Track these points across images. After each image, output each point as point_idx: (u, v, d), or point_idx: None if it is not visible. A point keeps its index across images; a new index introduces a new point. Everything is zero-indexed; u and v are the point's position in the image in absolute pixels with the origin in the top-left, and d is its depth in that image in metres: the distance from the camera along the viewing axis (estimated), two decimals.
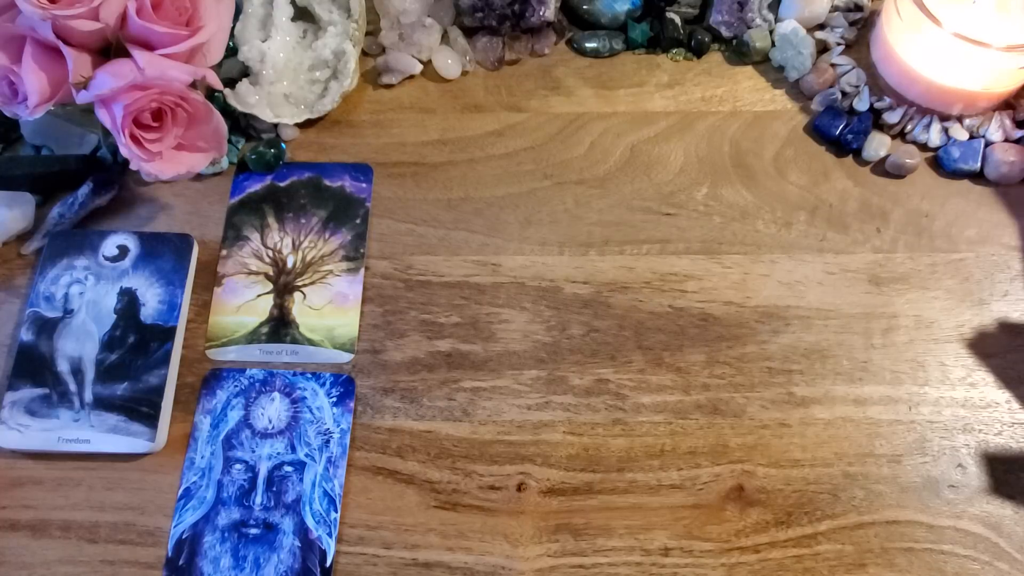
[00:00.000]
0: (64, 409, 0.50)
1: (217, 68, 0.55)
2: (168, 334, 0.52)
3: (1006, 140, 0.58)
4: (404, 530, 0.48)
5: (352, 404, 0.51)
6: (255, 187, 0.58)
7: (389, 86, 0.62)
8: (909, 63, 0.58)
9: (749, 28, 0.63)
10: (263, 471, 0.49)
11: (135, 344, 0.52)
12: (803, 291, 0.54)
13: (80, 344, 0.51)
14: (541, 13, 0.61)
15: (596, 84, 0.62)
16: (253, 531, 0.47)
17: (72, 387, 0.50)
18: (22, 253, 0.56)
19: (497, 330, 0.53)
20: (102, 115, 0.49)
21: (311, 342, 0.53)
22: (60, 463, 0.50)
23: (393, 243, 0.56)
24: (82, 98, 0.49)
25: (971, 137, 0.58)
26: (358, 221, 0.57)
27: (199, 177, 0.58)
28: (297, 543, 0.47)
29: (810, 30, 0.62)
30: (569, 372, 0.52)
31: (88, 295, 0.53)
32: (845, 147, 0.59)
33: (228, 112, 0.57)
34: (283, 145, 0.59)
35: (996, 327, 0.53)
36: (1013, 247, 0.56)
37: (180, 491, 0.49)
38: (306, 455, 0.49)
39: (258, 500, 0.48)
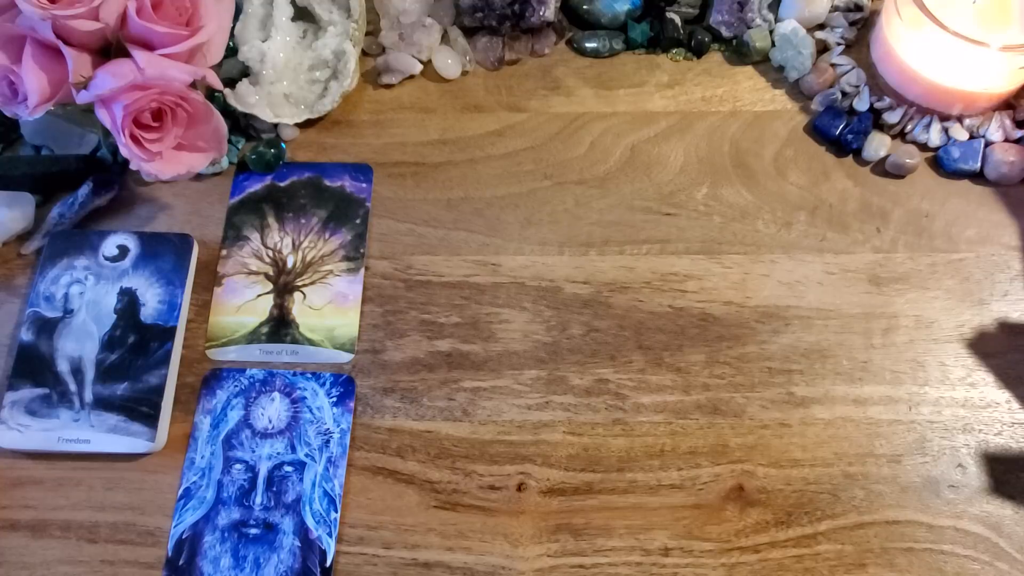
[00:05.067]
0: (64, 409, 0.50)
1: (217, 68, 0.55)
2: (168, 334, 0.52)
3: (1006, 140, 0.58)
4: (404, 530, 0.48)
5: (352, 404, 0.51)
6: (255, 187, 0.58)
7: (389, 86, 0.62)
8: (909, 63, 0.58)
9: (749, 28, 0.63)
10: (263, 471, 0.49)
11: (135, 344, 0.52)
12: (803, 291, 0.54)
13: (80, 344, 0.52)
14: (541, 13, 0.61)
15: (596, 84, 0.62)
16: (253, 531, 0.47)
17: (72, 387, 0.50)
18: (22, 253, 0.56)
19: (497, 330, 0.53)
20: (102, 115, 0.49)
21: (311, 342, 0.53)
22: (60, 463, 0.50)
23: (393, 243, 0.56)
24: (82, 98, 0.49)
25: (971, 137, 0.58)
26: (358, 221, 0.57)
27: (199, 177, 0.58)
28: (297, 543, 0.47)
29: (810, 30, 0.62)
30: (569, 372, 0.52)
31: (88, 295, 0.53)
32: (845, 147, 0.59)
33: (228, 112, 0.57)
34: (283, 145, 0.59)
35: (996, 327, 0.53)
36: (1013, 247, 0.56)
37: (180, 491, 0.49)
38: (306, 455, 0.49)
39: (258, 500, 0.48)
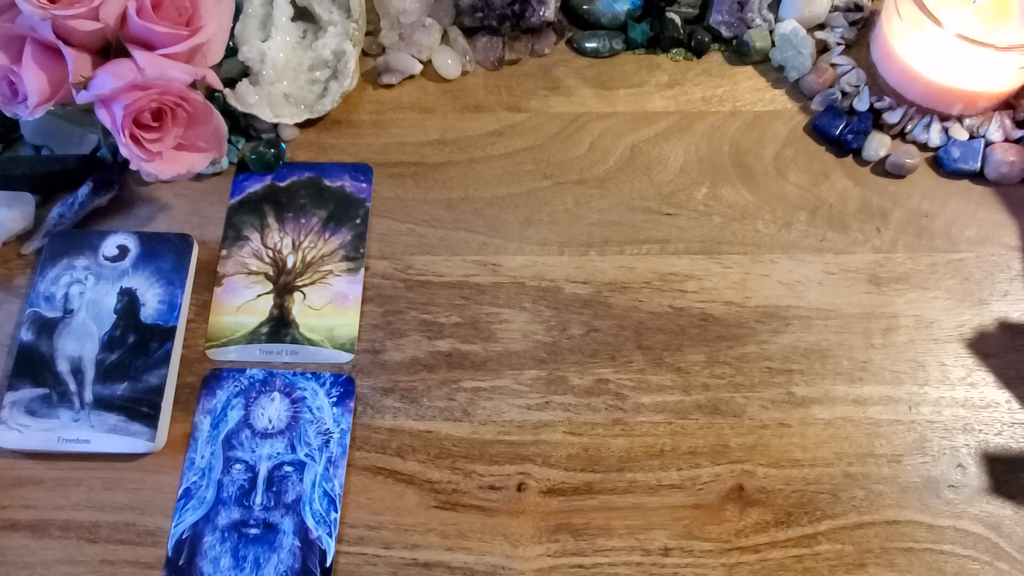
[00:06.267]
0: (64, 409, 0.50)
1: (217, 68, 0.55)
2: (168, 334, 0.52)
3: (1006, 140, 0.58)
4: (404, 530, 0.48)
5: (352, 404, 0.51)
6: (255, 187, 0.58)
7: (389, 86, 0.62)
8: (909, 63, 0.58)
9: (749, 28, 0.63)
10: (263, 471, 0.49)
11: (135, 344, 0.52)
12: (803, 291, 0.54)
13: (80, 344, 0.52)
14: (541, 13, 0.61)
15: (596, 84, 0.62)
16: (253, 531, 0.47)
17: (72, 387, 0.50)
18: (22, 253, 0.56)
19: (497, 330, 0.53)
20: (102, 115, 0.49)
21: (311, 342, 0.53)
22: (60, 463, 0.50)
23: (393, 243, 0.56)
24: (82, 98, 0.49)
25: (971, 137, 0.58)
26: (358, 221, 0.57)
27: (199, 177, 0.58)
28: (297, 543, 0.47)
29: (810, 30, 0.62)
30: (569, 372, 0.52)
31: (88, 295, 0.53)
32: (845, 147, 0.59)
33: (228, 112, 0.57)
34: (283, 145, 0.59)
35: (996, 327, 0.53)
36: (1013, 247, 0.56)
37: (180, 491, 0.49)
38: (306, 455, 0.49)
39: (258, 500, 0.48)
